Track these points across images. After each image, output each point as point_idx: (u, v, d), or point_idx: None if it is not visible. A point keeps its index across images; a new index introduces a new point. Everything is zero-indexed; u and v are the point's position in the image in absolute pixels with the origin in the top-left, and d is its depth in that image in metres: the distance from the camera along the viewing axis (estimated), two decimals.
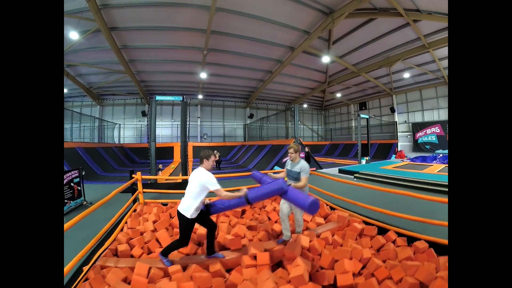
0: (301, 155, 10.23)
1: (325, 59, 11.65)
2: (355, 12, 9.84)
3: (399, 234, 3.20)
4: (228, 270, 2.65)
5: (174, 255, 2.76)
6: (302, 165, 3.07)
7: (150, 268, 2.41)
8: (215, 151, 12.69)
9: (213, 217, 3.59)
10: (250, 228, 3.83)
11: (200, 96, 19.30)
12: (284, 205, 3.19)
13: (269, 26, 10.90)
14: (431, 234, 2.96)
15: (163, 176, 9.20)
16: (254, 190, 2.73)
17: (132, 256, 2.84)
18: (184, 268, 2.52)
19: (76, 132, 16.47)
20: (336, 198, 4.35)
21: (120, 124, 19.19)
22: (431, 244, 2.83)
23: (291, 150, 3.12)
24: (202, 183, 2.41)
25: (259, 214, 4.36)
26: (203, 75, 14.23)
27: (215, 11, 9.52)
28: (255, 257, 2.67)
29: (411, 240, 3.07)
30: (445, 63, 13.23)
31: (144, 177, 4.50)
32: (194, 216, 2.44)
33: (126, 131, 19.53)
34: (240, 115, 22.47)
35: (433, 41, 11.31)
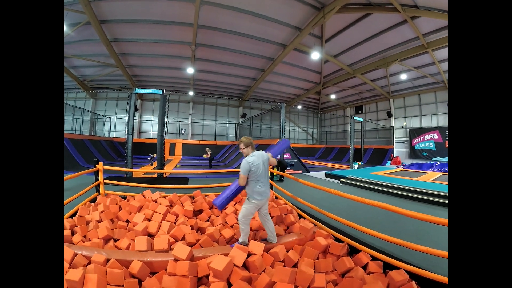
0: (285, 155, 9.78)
1: (315, 55, 11.00)
2: (347, 7, 9.25)
3: (375, 257, 2.49)
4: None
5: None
6: (242, 162, 2.54)
7: (76, 254, 2.35)
8: (207, 148, 12.09)
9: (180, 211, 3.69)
10: (200, 230, 3.41)
11: (191, 93, 18.75)
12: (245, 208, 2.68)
13: (259, 22, 10.45)
14: (417, 261, 2.26)
15: (140, 170, 9.02)
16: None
17: (72, 242, 2.84)
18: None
19: (69, 124, 15.99)
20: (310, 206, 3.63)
21: (111, 118, 18.70)
22: (415, 276, 2.13)
23: (241, 145, 2.65)
24: None
25: (218, 216, 3.84)
26: (191, 70, 13.71)
27: (201, 4, 9.16)
28: None
29: (388, 266, 2.36)
30: (445, 65, 12.54)
31: (112, 168, 4.63)
32: None
33: (118, 125, 18.94)
34: (233, 114, 21.93)
35: (432, 40, 10.65)
